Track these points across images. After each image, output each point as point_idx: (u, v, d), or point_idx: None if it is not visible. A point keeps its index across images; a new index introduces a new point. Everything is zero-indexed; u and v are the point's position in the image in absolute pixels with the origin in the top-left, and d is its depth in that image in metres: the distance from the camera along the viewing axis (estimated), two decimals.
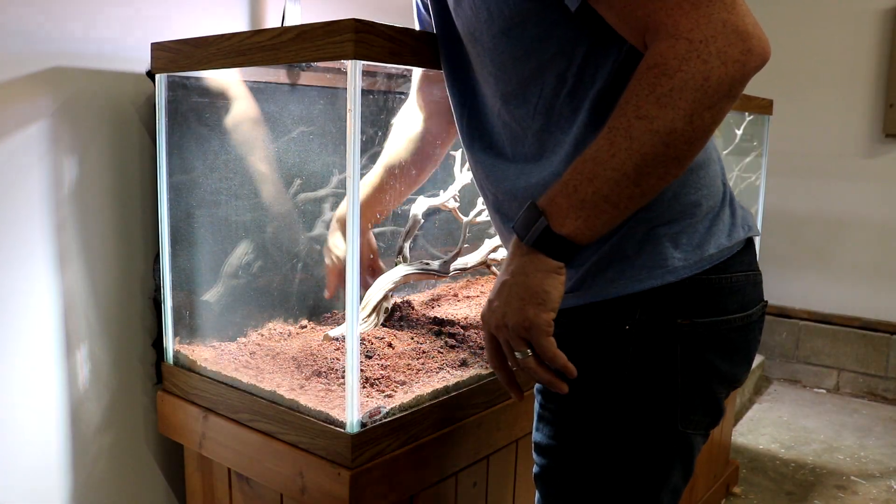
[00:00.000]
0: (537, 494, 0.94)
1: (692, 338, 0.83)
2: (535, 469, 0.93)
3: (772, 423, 2.88)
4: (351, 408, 1.00)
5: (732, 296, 0.85)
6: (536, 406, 0.92)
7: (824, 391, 3.29)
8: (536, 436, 0.92)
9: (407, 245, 1.46)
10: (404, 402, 1.08)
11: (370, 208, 1.27)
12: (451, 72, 0.99)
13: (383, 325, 1.36)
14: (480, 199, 1.52)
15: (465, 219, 1.49)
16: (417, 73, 1.24)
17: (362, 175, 1.21)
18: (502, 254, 1.56)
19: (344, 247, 1.28)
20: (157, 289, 1.35)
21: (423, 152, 1.26)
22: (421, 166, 1.28)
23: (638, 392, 0.84)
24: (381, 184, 1.25)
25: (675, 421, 0.85)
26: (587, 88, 0.82)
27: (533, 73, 0.84)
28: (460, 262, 1.49)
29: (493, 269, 1.57)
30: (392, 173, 1.25)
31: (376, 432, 1.03)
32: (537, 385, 0.92)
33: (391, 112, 1.40)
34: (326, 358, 1.21)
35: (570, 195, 0.73)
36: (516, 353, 0.79)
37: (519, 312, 0.76)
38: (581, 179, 0.73)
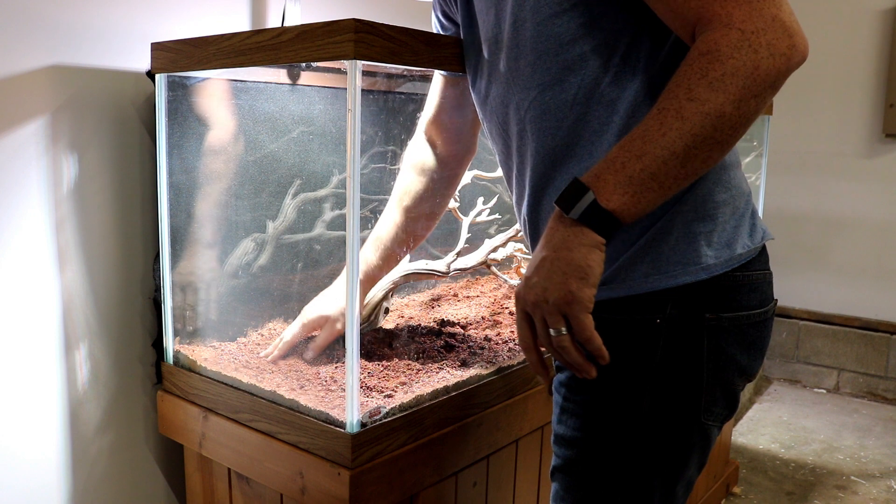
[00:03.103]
0: (556, 487, 0.94)
1: (717, 332, 0.86)
2: (555, 462, 0.94)
3: (772, 423, 2.88)
4: (351, 408, 1.00)
5: (753, 293, 0.89)
6: (559, 399, 0.93)
7: (824, 391, 3.29)
8: (559, 428, 0.93)
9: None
10: (404, 402, 1.08)
11: (385, 261, 1.24)
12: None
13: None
14: (481, 199, 1.52)
15: (465, 219, 1.49)
16: (430, 107, 1.22)
17: (364, 176, 1.21)
18: (502, 254, 1.56)
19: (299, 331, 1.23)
20: (157, 289, 1.35)
21: (440, 190, 1.25)
22: (440, 208, 1.27)
23: (666, 384, 0.86)
24: (395, 237, 1.22)
25: (698, 412, 0.88)
26: (630, 79, 0.84)
27: (575, 61, 0.85)
28: (460, 262, 1.49)
29: (493, 269, 1.57)
30: (409, 219, 1.23)
31: (376, 432, 1.03)
32: (559, 377, 0.93)
33: (391, 112, 1.40)
34: (327, 358, 1.21)
35: (618, 171, 0.74)
36: (551, 331, 0.77)
37: (561, 287, 0.75)
38: (629, 157, 0.74)
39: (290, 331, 1.24)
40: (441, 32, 1.16)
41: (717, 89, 0.71)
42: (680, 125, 0.72)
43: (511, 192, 1.01)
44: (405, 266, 1.40)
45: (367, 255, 1.23)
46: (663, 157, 0.73)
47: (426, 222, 1.26)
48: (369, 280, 1.25)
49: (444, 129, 1.22)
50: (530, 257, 0.82)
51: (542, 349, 0.81)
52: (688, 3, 0.74)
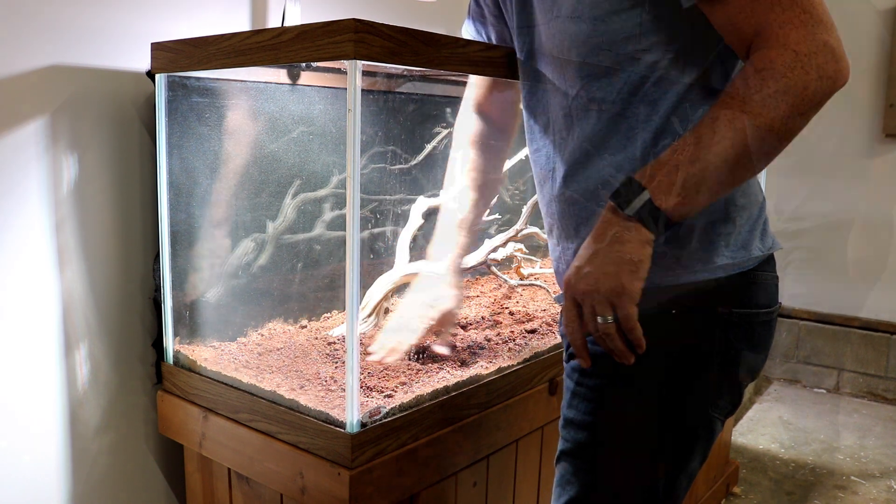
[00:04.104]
0: (561, 471, 0.96)
1: (728, 326, 0.90)
2: (562, 446, 0.96)
3: (772, 423, 2.88)
4: (351, 408, 1.00)
5: (762, 292, 0.93)
6: (571, 384, 0.96)
7: (824, 391, 3.29)
8: (570, 413, 0.95)
9: (407, 244, 1.46)
10: (404, 402, 1.08)
11: (469, 235, 1.27)
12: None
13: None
14: None
15: None
16: (479, 85, 1.24)
17: (364, 176, 1.21)
18: (502, 254, 1.56)
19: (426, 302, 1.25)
20: (157, 289, 1.35)
21: (496, 162, 1.28)
22: (499, 181, 1.30)
23: (676, 374, 0.90)
24: (477, 204, 1.26)
25: (706, 404, 0.91)
26: (674, 83, 0.88)
27: (625, 59, 0.89)
28: None
29: (493, 269, 1.56)
30: (483, 190, 1.26)
31: (376, 432, 1.03)
32: (573, 364, 0.96)
33: (391, 112, 1.40)
34: (326, 358, 1.21)
35: (671, 173, 0.79)
36: (598, 319, 0.82)
37: (614, 279, 0.80)
38: (682, 160, 0.79)
39: (406, 333, 1.25)
40: (478, 14, 1.18)
41: (769, 105, 0.76)
42: (733, 135, 0.77)
43: (537, 170, 1.04)
44: (405, 266, 1.40)
45: (457, 237, 1.26)
46: (715, 163, 0.78)
47: (491, 194, 1.30)
48: (459, 265, 1.28)
49: (496, 102, 1.25)
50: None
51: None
52: (748, 20, 0.79)
